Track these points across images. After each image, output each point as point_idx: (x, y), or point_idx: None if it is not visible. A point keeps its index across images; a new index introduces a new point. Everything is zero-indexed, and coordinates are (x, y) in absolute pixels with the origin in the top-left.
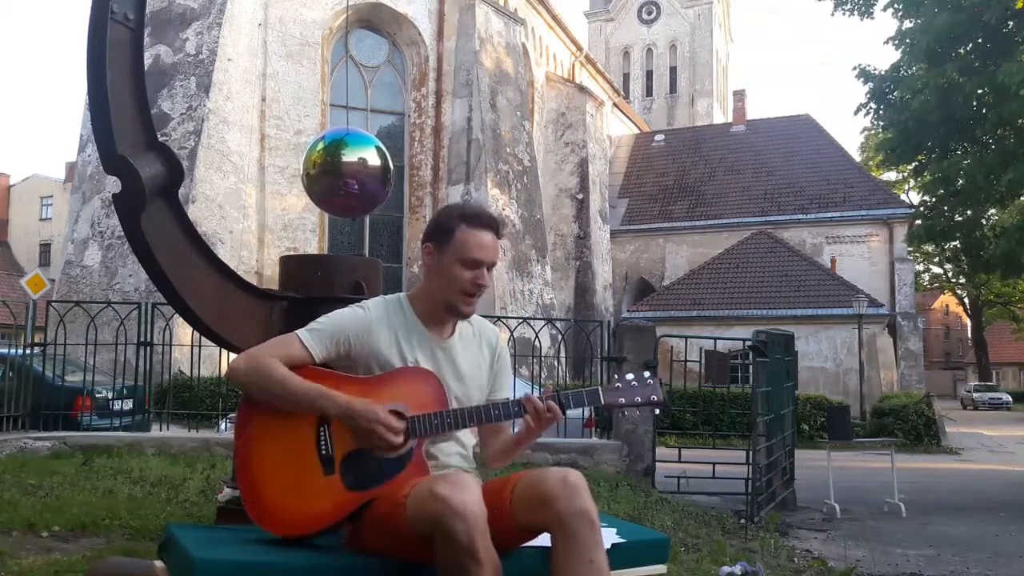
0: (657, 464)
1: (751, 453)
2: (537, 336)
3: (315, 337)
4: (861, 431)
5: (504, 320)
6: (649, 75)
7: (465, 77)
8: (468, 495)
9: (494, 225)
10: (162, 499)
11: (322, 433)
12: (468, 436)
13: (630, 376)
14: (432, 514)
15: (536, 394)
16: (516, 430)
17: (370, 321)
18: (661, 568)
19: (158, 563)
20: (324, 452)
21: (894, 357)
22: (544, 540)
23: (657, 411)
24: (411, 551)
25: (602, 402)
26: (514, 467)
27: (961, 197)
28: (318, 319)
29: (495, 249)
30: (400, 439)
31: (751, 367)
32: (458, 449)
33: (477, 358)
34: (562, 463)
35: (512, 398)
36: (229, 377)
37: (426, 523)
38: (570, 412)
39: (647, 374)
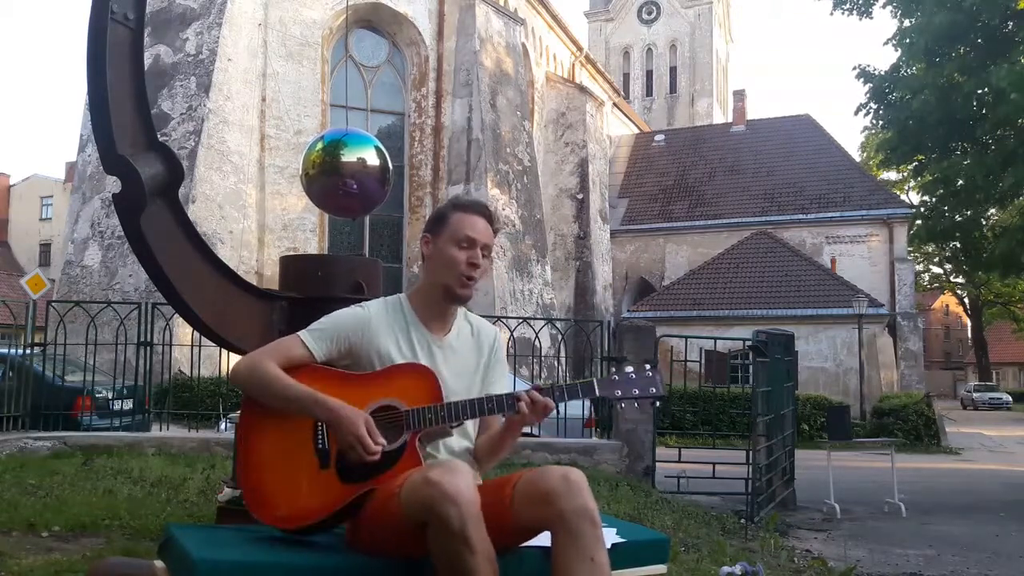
0: (657, 464)
1: (751, 453)
2: (537, 336)
3: (316, 337)
4: (861, 431)
5: (504, 320)
6: (649, 75)
7: (465, 77)
8: (461, 480)
9: (486, 212)
10: (162, 499)
11: (319, 428)
12: (467, 435)
13: (629, 369)
14: (425, 499)
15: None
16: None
17: (369, 320)
18: (661, 568)
19: (158, 563)
20: (320, 446)
21: (894, 357)
22: (544, 540)
23: (657, 403)
24: (407, 545)
25: (597, 393)
26: (514, 467)
27: (961, 197)
28: (319, 320)
29: (488, 233)
30: (376, 456)
31: (751, 367)
32: (457, 449)
33: (475, 357)
34: (562, 463)
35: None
36: (232, 381)
37: (419, 509)
38: (570, 412)
39: (647, 367)
